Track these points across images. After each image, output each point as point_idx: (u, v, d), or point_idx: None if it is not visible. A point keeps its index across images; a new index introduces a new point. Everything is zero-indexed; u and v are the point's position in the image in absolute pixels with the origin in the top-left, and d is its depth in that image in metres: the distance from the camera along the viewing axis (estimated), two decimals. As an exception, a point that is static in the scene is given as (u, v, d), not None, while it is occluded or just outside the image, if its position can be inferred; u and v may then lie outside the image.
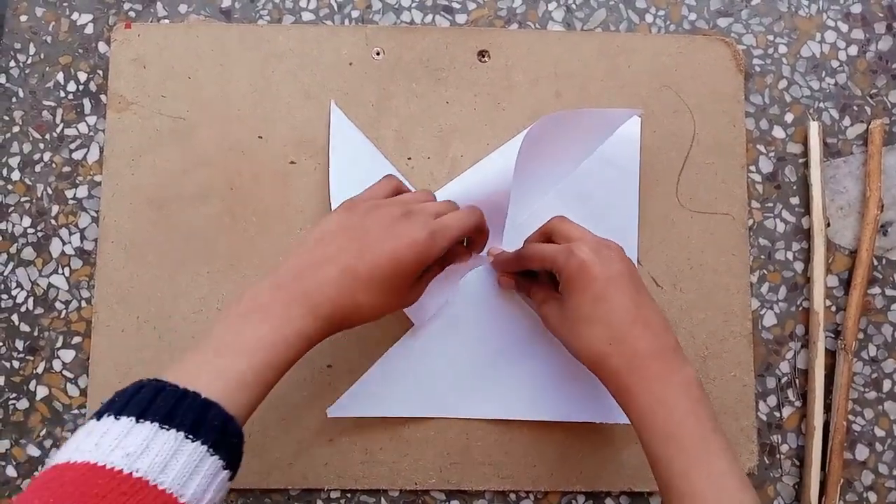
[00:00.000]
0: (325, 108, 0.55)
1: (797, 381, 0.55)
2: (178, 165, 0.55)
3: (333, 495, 0.53)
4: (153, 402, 0.33)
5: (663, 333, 0.42)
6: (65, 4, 0.58)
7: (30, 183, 0.56)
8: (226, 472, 0.34)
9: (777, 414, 0.55)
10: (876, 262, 0.57)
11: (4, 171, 0.56)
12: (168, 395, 0.34)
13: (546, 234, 0.48)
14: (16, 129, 0.56)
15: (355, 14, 0.58)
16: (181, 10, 0.58)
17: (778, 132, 0.58)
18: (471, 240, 0.48)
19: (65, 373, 0.54)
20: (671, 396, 0.40)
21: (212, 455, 0.33)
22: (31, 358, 0.54)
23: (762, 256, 0.56)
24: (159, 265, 0.54)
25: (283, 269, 0.41)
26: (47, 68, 0.57)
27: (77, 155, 0.56)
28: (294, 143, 0.55)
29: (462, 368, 0.52)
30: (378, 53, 0.56)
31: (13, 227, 0.56)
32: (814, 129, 0.57)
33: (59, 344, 0.54)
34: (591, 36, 0.58)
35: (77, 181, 0.56)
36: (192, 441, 0.33)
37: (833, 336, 0.56)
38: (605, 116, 0.52)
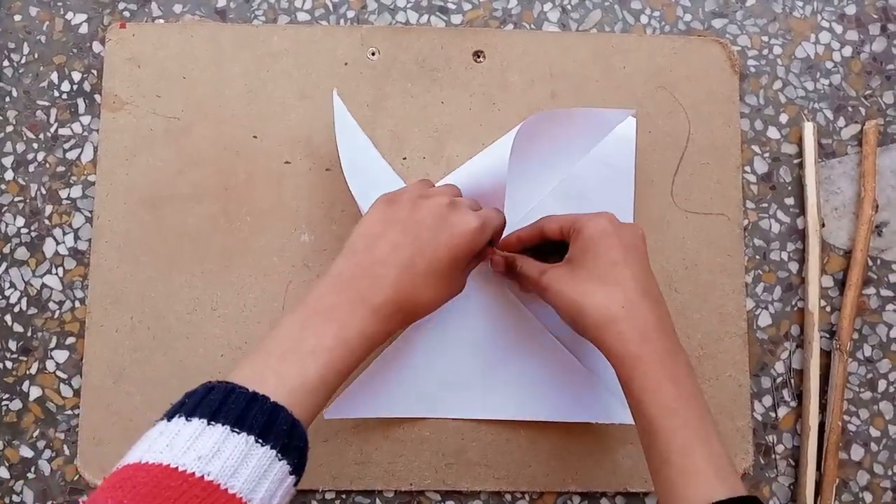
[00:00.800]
0: (320, 108, 0.55)
1: (792, 381, 0.55)
2: (173, 165, 0.55)
3: (328, 496, 0.53)
4: (224, 404, 0.34)
5: (667, 315, 0.43)
6: (59, 4, 0.58)
7: (23, 183, 0.56)
8: (292, 477, 0.34)
9: (772, 414, 0.55)
10: (871, 263, 0.57)
11: (-2, 171, 0.56)
12: (239, 398, 0.34)
13: (539, 228, 0.48)
14: (9, 128, 0.56)
15: (351, 14, 0.58)
16: (176, 10, 0.58)
17: (773, 133, 0.58)
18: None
19: (58, 373, 0.54)
20: (679, 373, 0.40)
21: (280, 460, 0.33)
22: (25, 358, 0.54)
23: (757, 257, 0.56)
24: (153, 265, 0.54)
25: (340, 269, 0.40)
26: (41, 68, 0.57)
27: (71, 155, 0.56)
28: (289, 143, 0.55)
29: (457, 369, 0.52)
30: (373, 54, 0.56)
31: (6, 226, 0.55)
32: (808, 129, 0.57)
33: (52, 344, 0.54)
34: (586, 37, 0.58)
35: (71, 181, 0.56)
36: (262, 445, 0.33)
37: (828, 336, 0.56)
38: (600, 116, 0.53)
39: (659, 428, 0.39)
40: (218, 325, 0.53)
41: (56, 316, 0.54)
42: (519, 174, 0.52)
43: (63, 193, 0.56)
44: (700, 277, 0.55)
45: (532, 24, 0.58)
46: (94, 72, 0.57)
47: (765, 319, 0.56)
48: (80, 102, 0.57)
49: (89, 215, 0.55)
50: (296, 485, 0.35)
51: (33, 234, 0.55)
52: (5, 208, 0.56)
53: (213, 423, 0.33)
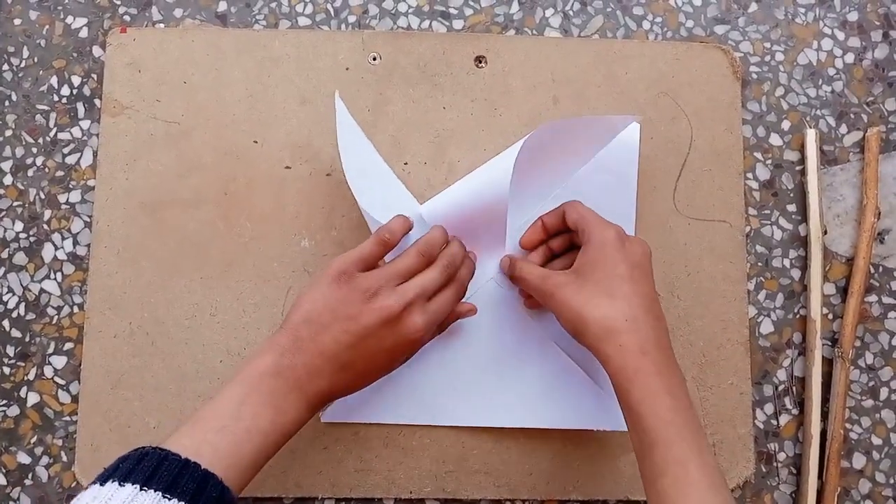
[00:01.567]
0: (321, 113, 0.55)
1: (794, 388, 0.55)
2: (173, 170, 0.54)
3: (328, 504, 0.53)
4: (157, 470, 0.35)
5: (666, 332, 0.44)
6: (59, 8, 0.58)
7: (22, 187, 0.55)
8: None
9: (774, 422, 0.55)
10: (873, 270, 0.57)
11: (-3, 176, 0.56)
12: (171, 465, 0.35)
13: (561, 214, 0.49)
14: (8, 132, 0.56)
15: (352, 19, 0.58)
16: (177, 15, 0.57)
17: (775, 139, 0.58)
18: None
19: (56, 379, 0.54)
20: (675, 386, 0.41)
21: None
22: (23, 364, 0.54)
23: (759, 264, 0.56)
24: (152, 271, 0.53)
25: (283, 347, 0.41)
26: (41, 72, 0.57)
27: (70, 159, 0.56)
28: (289, 148, 0.55)
29: (458, 376, 0.52)
30: (375, 58, 0.56)
31: (5, 231, 0.55)
32: (811, 136, 0.56)
33: (50, 350, 0.54)
34: (588, 42, 0.57)
35: (70, 186, 0.55)
36: None
37: (830, 344, 0.55)
38: (605, 123, 0.52)
39: (656, 439, 0.40)
40: (217, 330, 0.53)
41: (54, 321, 0.54)
42: (523, 180, 0.51)
43: (62, 198, 0.55)
44: (702, 284, 0.54)
45: (534, 30, 0.58)
46: (94, 76, 0.57)
47: (767, 327, 0.56)
48: (80, 107, 0.56)
49: (88, 220, 0.55)
50: None
51: (32, 238, 0.55)
52: (4, 213, 0.55)
53: (145, 488, 0.34)
